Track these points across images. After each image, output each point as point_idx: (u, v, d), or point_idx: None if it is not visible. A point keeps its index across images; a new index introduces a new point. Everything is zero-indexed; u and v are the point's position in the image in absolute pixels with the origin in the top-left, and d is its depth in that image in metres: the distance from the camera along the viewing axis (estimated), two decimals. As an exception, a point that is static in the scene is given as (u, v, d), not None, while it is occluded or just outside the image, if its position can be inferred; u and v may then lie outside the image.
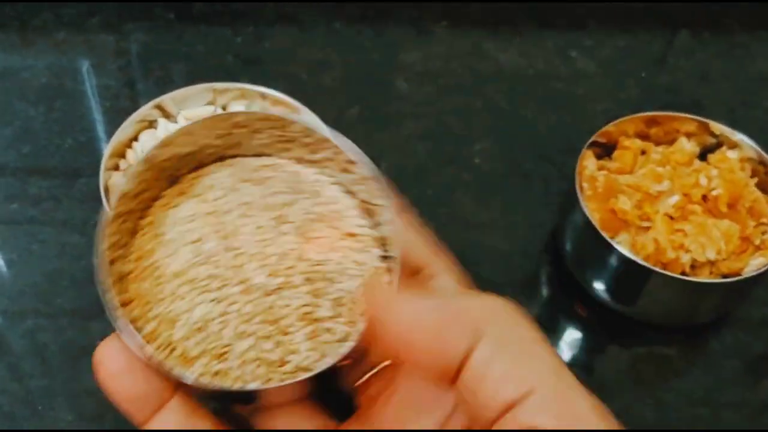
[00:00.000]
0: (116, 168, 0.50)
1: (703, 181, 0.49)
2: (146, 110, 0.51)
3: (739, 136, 0.52)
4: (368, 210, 0.35)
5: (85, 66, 0.64)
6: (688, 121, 0.53)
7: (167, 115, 0.52)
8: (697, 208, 0.48)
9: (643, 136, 0.53)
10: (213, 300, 0.32)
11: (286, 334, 0.32)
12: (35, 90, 0.63)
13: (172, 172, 0.35)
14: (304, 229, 0.33)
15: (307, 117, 0.52)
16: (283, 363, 0.31)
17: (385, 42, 0.68)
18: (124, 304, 0.32)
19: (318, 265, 0.33)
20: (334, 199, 0.35)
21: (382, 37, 0.68)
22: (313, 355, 0.31)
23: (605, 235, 0.48)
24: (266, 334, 0.32)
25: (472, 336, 0.28)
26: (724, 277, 0.48)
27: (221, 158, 0.36)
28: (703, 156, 0.53)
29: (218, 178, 0.35)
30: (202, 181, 0.35)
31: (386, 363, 0.33)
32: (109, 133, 0.50)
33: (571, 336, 0.53)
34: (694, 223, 0.48)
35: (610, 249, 0.48)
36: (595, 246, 0.49)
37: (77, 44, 0.65)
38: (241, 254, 0.32)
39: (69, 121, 0.61)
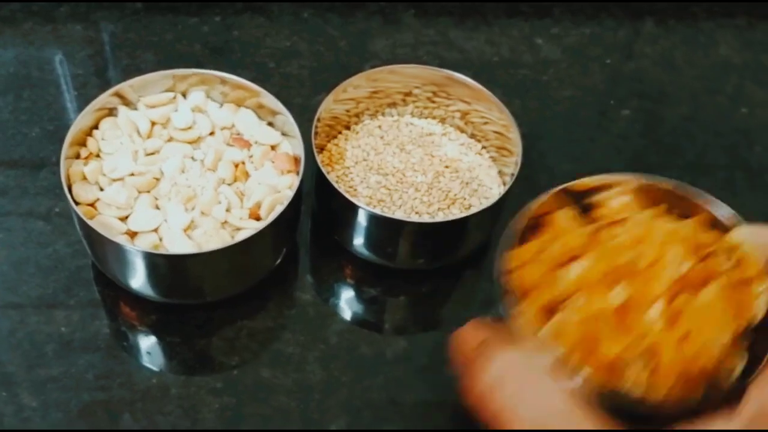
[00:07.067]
0: (77, 156, 0.50)
1: None
2: (105, 98, 0.51)
3: None
4: None
5: (53, 55, 0.64)
6: None
7: (127, 103, 0.52)
8: None
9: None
10: None
11: None
12: (3, 80, 0.63)
13: None
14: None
15: (271, 102, 0.52)
16: None
17: (352, 30, 0.68)
18: None
19: None
20: None
21: (350, 26, 0.68)
22: None
23: None
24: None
25: None
26: None
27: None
28: None
29: None
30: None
31: None
32: (78, 123, 0.50)
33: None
34: None
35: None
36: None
37: (45, 34, 0.65)
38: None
39: (37, 110, 0.61)
